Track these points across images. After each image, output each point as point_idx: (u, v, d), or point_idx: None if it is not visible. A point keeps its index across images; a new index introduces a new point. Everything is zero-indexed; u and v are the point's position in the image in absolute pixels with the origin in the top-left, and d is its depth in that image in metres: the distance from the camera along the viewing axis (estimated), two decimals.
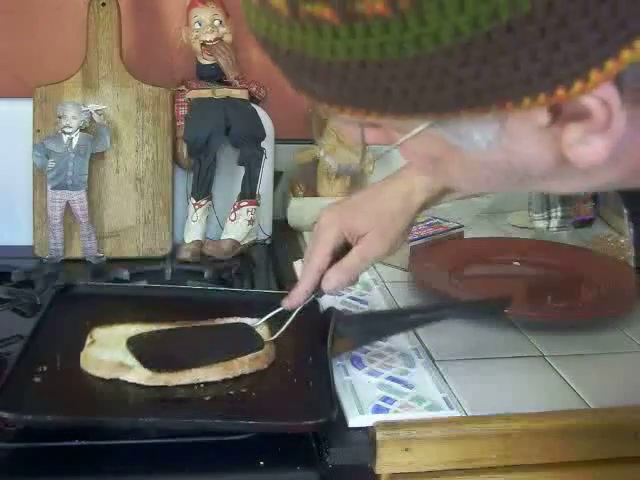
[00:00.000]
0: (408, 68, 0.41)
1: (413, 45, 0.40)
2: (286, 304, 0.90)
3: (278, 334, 0.90)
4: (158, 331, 0.91)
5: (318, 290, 0.90)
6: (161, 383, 0.82)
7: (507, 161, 0.48)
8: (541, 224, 1.07)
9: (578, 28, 0.40)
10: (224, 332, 0.93)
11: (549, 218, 0.96)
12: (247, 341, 0.89)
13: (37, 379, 0.82)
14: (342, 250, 0.90)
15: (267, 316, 0.92)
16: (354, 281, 0.92)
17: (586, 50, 0.40)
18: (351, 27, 0.41)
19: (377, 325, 0.96)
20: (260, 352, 0.87)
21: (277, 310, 0.91)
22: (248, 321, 0.93)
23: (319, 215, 0.92)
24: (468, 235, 1.35)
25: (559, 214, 0.89)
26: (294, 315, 0.90)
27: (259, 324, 0.92)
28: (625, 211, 0.73)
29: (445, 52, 0.40)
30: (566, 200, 0.84)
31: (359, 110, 0.46)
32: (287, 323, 0.90)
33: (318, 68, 0.44)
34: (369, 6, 0.40)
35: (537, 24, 0.39)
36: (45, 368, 0.84)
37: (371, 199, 0.93)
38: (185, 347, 0.89)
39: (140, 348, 0.86)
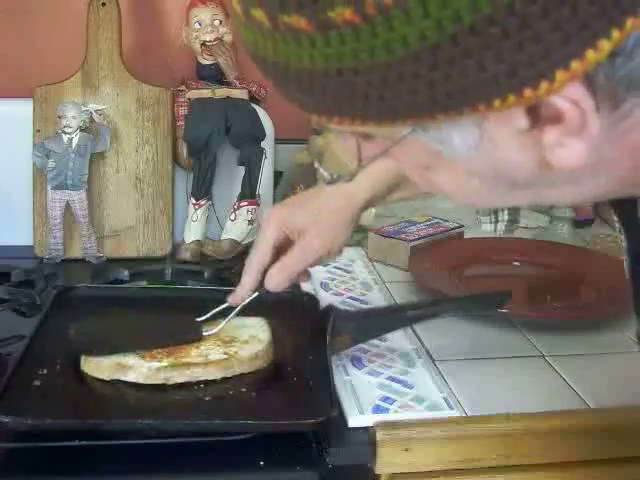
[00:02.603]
0: (381, 73, 0.42)
1: (384, 50, 0.41)
2: (230, 300, 0.90)
3: (219, 329, 0.90)
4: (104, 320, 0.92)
5: (262, 287, 0.89)
6: (160, 381, 0.82)
7: (492, 168, 0.49)
8: (488, 227, 1.06)
9: (540, 29, 0.40)
10: (167, 321, 0.94)
11: (496, 222, 0.96)
12: (185, 331, 0.89)
13: (37, 382, 0.82)
14: (286, 248, 0.89)
15: (212, 312, 0.91)
16: (302, 279, 0.92)
17: (550, 50, 0.41)
18: (326, 35, 0.42)
19: (375, 321, 0.96)
20: (260, 351, 0.87)
21: (223, 306, 0.91)
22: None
23: (263, 214, 0.92)
24: (468, 235, 1.35)
25: (506, 217, 0.89)
26: (236, 311, 0.90)
27: (203, 319, 0.91)
28: (615, 219, 0.73)
29: (414, 56, 0.41)
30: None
31: (344, 118, 0.47)
32: (228, 318, 0.90)
33: (301, 78, 0.45)
34: (339, 14, 0.41)
35: (499, 26, 0.40)
36: (45, 371, 0.84)
37: (313, 197, 0.93)
38: (124, 332, 0.89)
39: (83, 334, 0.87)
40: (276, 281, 0.88)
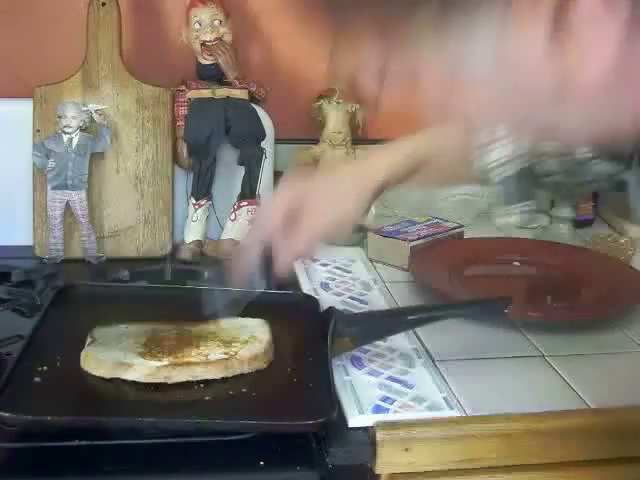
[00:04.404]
0: None
1: None
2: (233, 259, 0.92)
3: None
4: None
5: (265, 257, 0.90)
6: (161, 380, 0.82)
7: (513, 81, 0.48)
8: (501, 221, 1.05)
9: None
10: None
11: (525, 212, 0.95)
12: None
13: (37, 379, 0.82)
14: (294, 218, 0.89)
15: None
16: (309, 258, 0.92)
17: None
18: None
19: (377, 325, 0.96)
20: (260, 352, 0.87)
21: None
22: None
23: (277, 188, 0.92)
24: (468, 235, 1.35)
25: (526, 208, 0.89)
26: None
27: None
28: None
29: None
30: (530, 196, 0.85)
31: None
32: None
33: None
34: None
35: None
36: (45, 368, 0.84)
37: (329, 175, 0.93)
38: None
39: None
40: (281, 261, 0.88)
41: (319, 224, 0.88)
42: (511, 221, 0.88)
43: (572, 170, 0.87)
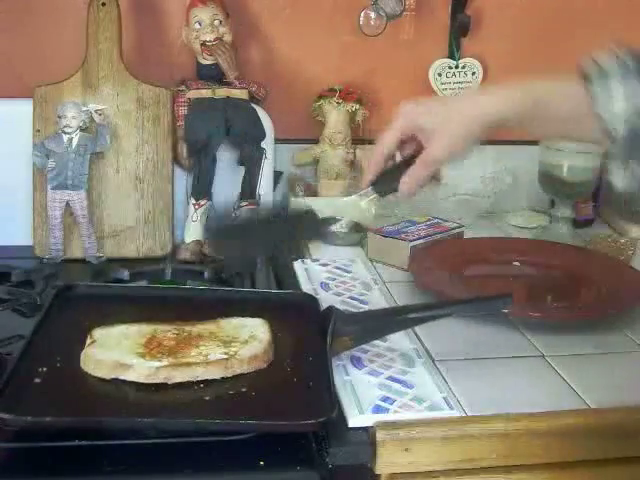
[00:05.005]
0: None
1: None
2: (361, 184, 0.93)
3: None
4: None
5: (384, 188, 0.92)
6: (161, 380, 0.82)
7: None
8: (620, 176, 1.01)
9: None
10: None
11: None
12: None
13: (37, 380, 0.82)
14: (410, 144, 0.91)
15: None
16: (433, 182, 0.93)
17: None
18: None
19: (376, 324, 0.96)
20: (260, 352, 0.87)
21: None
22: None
23: (400, 107, 0.93)
24: (468, 235, 1.35)
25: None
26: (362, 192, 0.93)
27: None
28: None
29: None
30: None
31: None
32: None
33: None
34: None
35: None
36: (45, 369, 0.84)
37: (445, 102, 0.94)
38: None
39: None
40: (409, 187, 0.90)
41: (434, 162, 0.90)
42: (628, 183, 0.87)
43: None
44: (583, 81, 0.86)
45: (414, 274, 1.19)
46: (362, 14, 1.43)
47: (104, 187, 1.27)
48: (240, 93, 1.31)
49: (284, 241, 0.94)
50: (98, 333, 0.89)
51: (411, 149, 0.91)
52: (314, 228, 0.95)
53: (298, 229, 0.95)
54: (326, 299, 1.08)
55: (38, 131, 1.26)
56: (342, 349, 0.93)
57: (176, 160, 1.31)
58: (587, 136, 0.89)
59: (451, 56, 1.48)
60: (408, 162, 0.90)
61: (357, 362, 0.94)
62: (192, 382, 0.83)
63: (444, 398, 0.88)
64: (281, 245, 0.96)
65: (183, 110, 1.30)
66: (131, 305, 1.00)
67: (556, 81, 0.91)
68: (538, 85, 0.90)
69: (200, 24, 1.29)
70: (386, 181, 0.92)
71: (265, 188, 1.34)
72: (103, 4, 1.26)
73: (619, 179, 0.86)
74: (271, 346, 0.89)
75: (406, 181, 0.90)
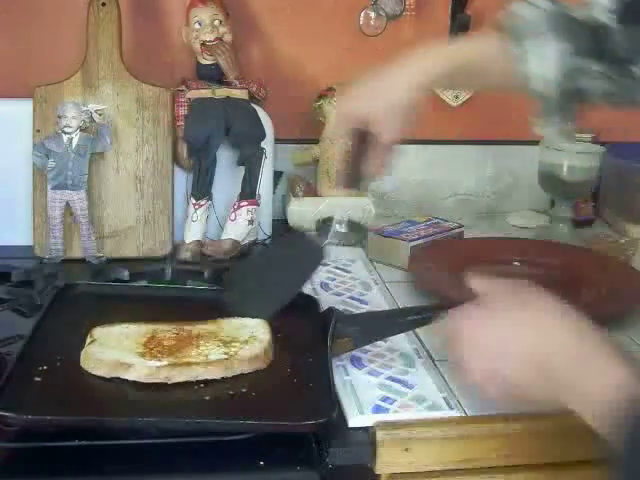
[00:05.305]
0: None
1: None
2: (339, 187, 0.97)
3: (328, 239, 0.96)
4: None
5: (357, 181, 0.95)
6: (161, 380, 0.82)
7: None
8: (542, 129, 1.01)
9: None
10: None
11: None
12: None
13: (37, 378, 0.82)
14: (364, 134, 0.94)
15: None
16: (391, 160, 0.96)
17: None
18: None
19: (377, 325, 0.96)
20: (260, 352, 0.87)
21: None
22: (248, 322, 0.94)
23: (337, 106, 0.95)
24: (468, 235, 1.35)
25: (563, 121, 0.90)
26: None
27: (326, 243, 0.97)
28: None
29: None
30: (572, 109, 0.88)
31: None
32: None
33: None
34: None
35: None
36: (45, 367, 0.84)
37: (373, 87, 0.94)
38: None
39: None
40: (376, 169, 0.94)
41: (388, 143, 0.92)
42: (554, 131, 0.89)
43: (628, 87, 0.89)
44: (502, 37, 0.90)
45: (414, 274, 1.19)
46: (362, 14, 1.43)
47: (104, 187, 1.27)
48: (240, 93, 1.30)
49: (297, 285, 0.97)
50: (98, 332, 0.89)
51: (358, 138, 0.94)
52: (316, 256, 0.97)
53: (304, 264, 0.97)
54: (326, 299, 1.08)
55: (38, 131, 1.26)
56: (342, 350, 0.93)
57: (176, 160, 1.31)
58: (513, 87, 0.92)
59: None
60: (361, 150, 0.94)
61: (357, 362, 0.94)
62: (192, 382, 0.83)
63: (444, 398, 0.88)
64: (296, 290, 0.98)
65: (183, 110, 1.30)
66: (131, 304, 1.00)
67: (481, 39, 0.95)
68: (463, 45, 0.95)
69: (200, 24, 1.29)
70: (356, 177, 0.95)
71: (265, 188, 1.34)
72: (103, 4, 1.26)
73: (538, 126, 0.90)
74: (271, 346, 0.89)
75: (373, 165, 0.93)
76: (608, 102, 0.92)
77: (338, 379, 0.89)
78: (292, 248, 1.02)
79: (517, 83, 0.90)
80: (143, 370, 0.82)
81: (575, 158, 1.36)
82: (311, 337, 0.93)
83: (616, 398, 0.63)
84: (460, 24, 1.46)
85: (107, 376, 0.83)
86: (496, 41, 0.91)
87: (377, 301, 1.12)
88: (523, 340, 0.72)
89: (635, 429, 0.61)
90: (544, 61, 0.87)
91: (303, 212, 1.36)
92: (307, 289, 1.12)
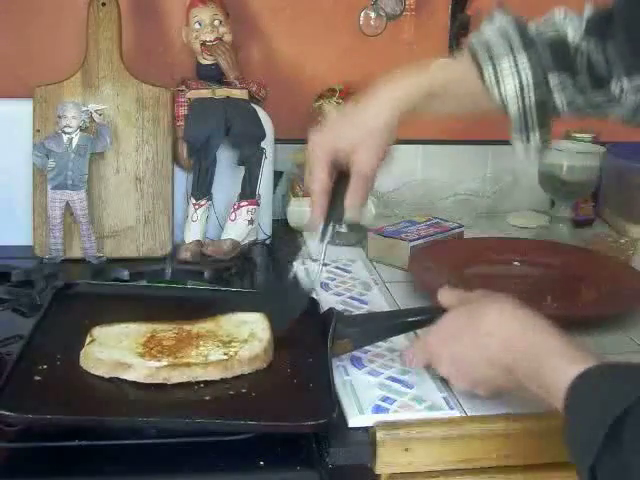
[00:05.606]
0: None
1: None
2: (307, 229, 0.96)
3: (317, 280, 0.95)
4: None
5: (336, 218, 0.93)
6: (160, 380, 0.82)
7: None
8: (520, 146, 1.03)
9: None
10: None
11: (528, 142, 0.97)
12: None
13: (37, 377, 0.82)
14: (337, 167, 0.92)
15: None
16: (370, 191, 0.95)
17: None
18: None
19: (377, 327, 0.96)
20: (259, 352, 0.87)
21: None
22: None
23: (309, 140, 0.94)
24: (468, 235, 1.35)
25: (537, 137, 0.91)
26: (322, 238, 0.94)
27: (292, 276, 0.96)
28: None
29: None
30: (544, 124, 0.89)
31: None
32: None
33: None
34: None
35: None
36: (45, 366, 0.84)
37: (350, 119, 0.93)
38: None
39: None
40: (356, 202, 0.91)
41: (367, 174, 0.91)
42: (530, 146, 0.90)
43: (598, 104, 0.91)
44: (473, 61, 0.90)
45: (414, 274, 1.19)
46: (362, 14, 1.43)
47: (104, 187, 1.27)
48: (240, 93, 1.30)
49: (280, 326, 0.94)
50: (98, 332, 0.89)
51: (336, 170, 0.92)
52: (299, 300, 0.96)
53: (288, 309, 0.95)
54: (326, 299, 1.08)
55: (38, 131, 1.26)
56: (342, 351, 0.93)
57: (176, 160, 1.31)
58: (489, 109, 0.92)
59: (451, 56, 1.48)
60: (338, 185, 0.92)
61: (357, 362, 0.94)
62: (192, 382, 0.83)
63: (444, 398, 0.88)
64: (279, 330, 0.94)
65: (183, 110, 1.30)
66: (131, 304, 1.00)
67: (452, 63, 0.95)
68: (435, 72, 0.93)
69: (200, 24, 1.29)
70: (334, 211, 0.93)
71: (265, 188, 1.34)
72: (103, 4, 1.26)
73: (520, 148, 0.91)
74: (271, 345, 0.89)
75: (352, 199, 0.91)
76: (578, 115, 0.94)
77: (338, 379, 0.89)
78: (278, 292, 1.01)
79: (491, 104, 0.91)
80: (142, 371, 0.82)
81: (575, 158, 1.36)
82: (311, 337, 0.92)
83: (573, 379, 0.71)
84: (460, 24, 1.46)
85: (106, 376, 0.83)
86: (468, 63, 0.91)
87: (377, 301, 1.12)
88: (490, 348, 0.81)
89: (577, 381, 0.70)
90: (513, 79, 0.88)
91: (303, 212, 1.36)
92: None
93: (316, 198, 0.92)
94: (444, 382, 0.91)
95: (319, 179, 0.91)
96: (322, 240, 0.93)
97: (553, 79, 0.89)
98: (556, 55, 0.89)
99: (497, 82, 0.89)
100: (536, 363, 0.76)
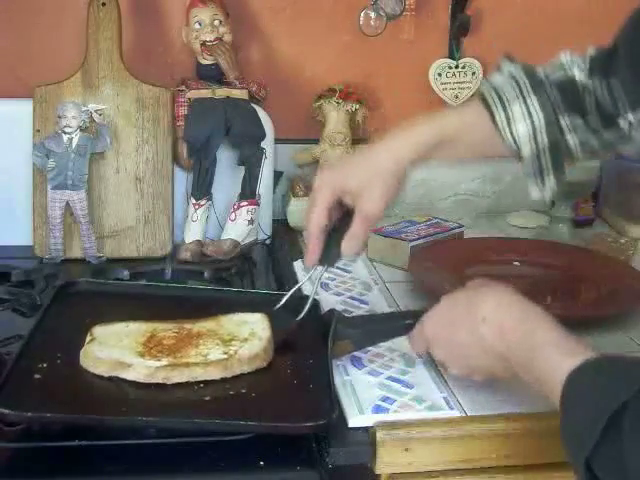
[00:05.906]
0: None
1: None
2: (305, 264, 0.95)
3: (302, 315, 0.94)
4: None
5: (330, 261, 0.93)
6: (159, 380, 0.82)
7: None
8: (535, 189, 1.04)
9: None
10: None
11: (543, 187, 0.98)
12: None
13: (37, 376, 0.82)
14: (340, 214, 0.93)
15: (287, 295, 0.96)
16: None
17: None
18: None
19: (378, 328, 0.96)
20: (259, 351, 0.87)
21: (293, 289, 0.97)
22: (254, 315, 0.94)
23: (315, 178, 0.94)
24: (468, 235, 1.35)
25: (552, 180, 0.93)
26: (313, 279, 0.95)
27: (279, 307, 0.95)
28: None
29: None
30: (558, 166, 0.91)
31: None
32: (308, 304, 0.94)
33: None
34: None
35: None
36: (45, 365, 0.84)
37: (361, 160, 0.94)
38: None
39: None
40: (353, 248, 0.92)
41: (370, 220, 0.92)
42: (546, 195, 0.91)
43: (611, 142, 0.91)
44: (484, 106, 0.91)
45: (414, 274, 1.19)
46: (362, 14, 1.43)
47: (104, 187, 1.27)
48: (240, 93, 1.30)
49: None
50: (98, 330, 0.89)
51: (338, 212, 0.93)
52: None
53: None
54: (326, 299, 1.08)
55: (38, 131, 1.26)
56: (342, 352, 0.93)
57: (176, 160, 1.31)
58: (502, 153, 0.93)
59: (451, 56, 1.48)
60: (340, 225, 0.92)
61: (357, 362, 0.94)
62: (192, 382, 0.83)
63: (444, 398, 0.88)
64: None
65: (183, 110, 1.30)
66: (132, 303, 1.00)
67: (463, 109, 0.96)
68: (447, 118, 0.94)
69: (200, 24, 1.29)
70: (329, 251, 0.93)
71: (265, 188, 1.34)
72: (103, 4, 1.26)
73: (535, 191, 0.91)
74: (271, 344, 0.89)
75: (350, 244, 0.92)
76: (593, 157, 0.95)
77: (338, 379, 0.89)
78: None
79: (503, 148, 0.91)
80: (142, 370, 0.82)
81: None
82: (311, 338, 0.92)
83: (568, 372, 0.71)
84: (460, 24, 1.46)
85: (106, 375, 0.83)
86: (479, 109, 0.91)
87: (377, 301, 1.12)
88: (485, 335, 0.81)
89: (573, 374, 0.70)
90: (525, 121, 0.89)
91: (303, 212, 1.36)
92: (307, 289, 1.12)
93: (311, 240, 0.92)
94: (444, 382, 0.91)
95: (316, 222, 0.92)
96: (314, 281, 0.95)
97: (564, 120, 0.90)
98: (565, 96, 0.90)
99: (509, 125, 0.89)
100: (531, 353, 0.76)
